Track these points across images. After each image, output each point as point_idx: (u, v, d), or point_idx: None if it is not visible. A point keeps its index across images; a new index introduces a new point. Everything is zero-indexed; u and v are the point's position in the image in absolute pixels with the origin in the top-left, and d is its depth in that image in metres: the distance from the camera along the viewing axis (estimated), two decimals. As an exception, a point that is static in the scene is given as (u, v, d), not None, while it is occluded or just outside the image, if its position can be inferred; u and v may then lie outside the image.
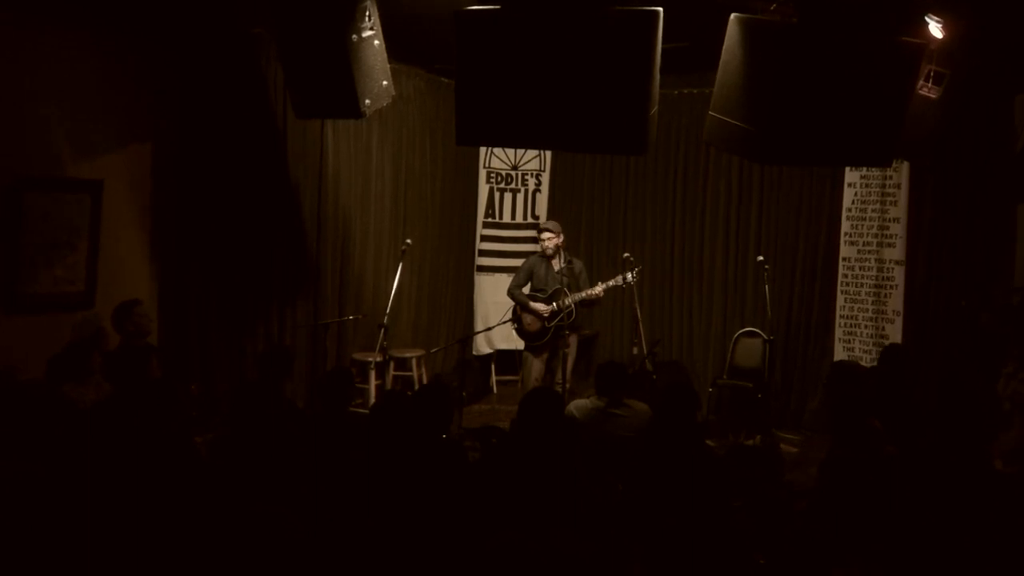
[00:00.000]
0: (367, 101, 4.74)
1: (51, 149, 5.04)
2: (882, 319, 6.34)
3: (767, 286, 6.24)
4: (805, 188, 6.93)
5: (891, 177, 6.28)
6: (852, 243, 6.53)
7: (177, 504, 2.61)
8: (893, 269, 6.28)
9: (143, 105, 5.48)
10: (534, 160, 8.05)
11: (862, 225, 6.47)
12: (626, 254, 6.33)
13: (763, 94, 4.12)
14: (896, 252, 6.26)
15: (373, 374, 6.55)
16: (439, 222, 7.84)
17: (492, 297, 7.78)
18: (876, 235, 6.38)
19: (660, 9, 3.89)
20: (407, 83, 7.19)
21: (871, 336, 6.38)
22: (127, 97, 5.39)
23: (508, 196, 8.06)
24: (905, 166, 6.14)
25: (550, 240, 6.39)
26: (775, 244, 7.05)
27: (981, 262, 5.93)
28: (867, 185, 6.44)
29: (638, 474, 3.74)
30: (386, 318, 6.05)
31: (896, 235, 6.26)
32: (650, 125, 4.24)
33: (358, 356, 6.85)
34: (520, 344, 6.84)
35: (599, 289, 6.21)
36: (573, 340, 6.47)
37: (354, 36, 4.55)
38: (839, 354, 6.60)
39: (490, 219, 8.06)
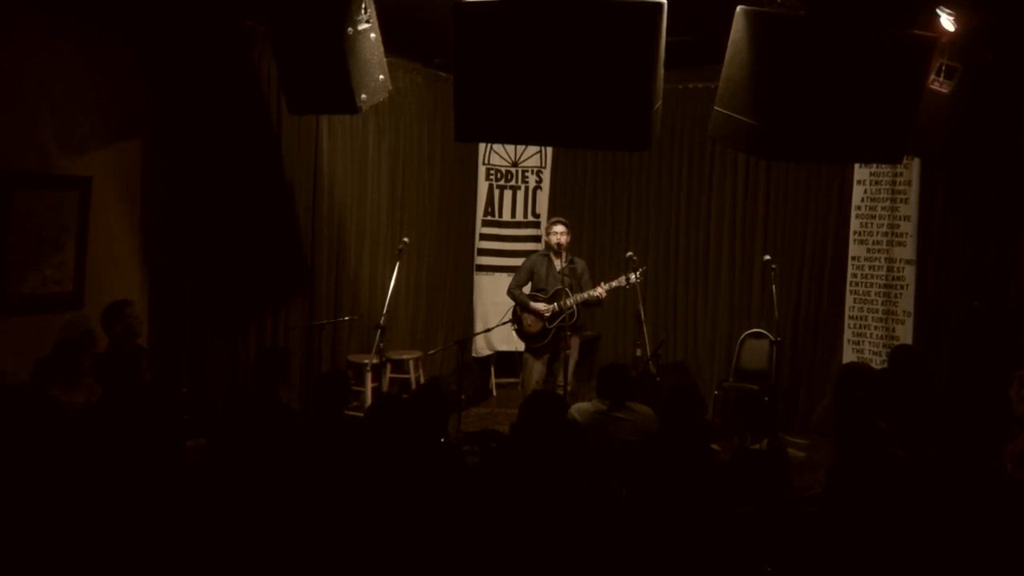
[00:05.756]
0: (363, 96, 4.68)
1: (38, 145, 4.95)
2: (892, 319, 6.26)
3: (774, 286, 6.15)
4: (813, 185, 6.87)
5: (901, 174, 6.22)
6: (861, 242, 6.46)
7: (169, 510, 2.53)
8: (904, 268, 6.21)
9: (133, 100, 5.40)
10: (535, 156, 7.99)
11: (872, 223, 6.40)
12: (629, 253, 6.29)
13: (770, 89, 4.09)
14: (907, 251, 6.19)
15: (369, 376, 6.48)
16: (437, 220, 7.76)
17: (492, 297, 7.72)
18: (886, 233, 6.31)
19: (664, 1, 3.83)
20: (404, 78, 7.14)
21: (881, 337, 6.31)
22: (117, 92, 5.31)
23: (508, 193, 7.98)
24: (916, 163, 6.08)
25: (563, 235, 6.30)
26: (782, 243, 6.98)
27: (994, 261, 5.84)
28: (877, 182, 6.37)
29: (642, 479, 3.67)
30: (383, 319, 5.98)
31: (907, 233, 6.18)
32: (654, 121, 4.20)
33: (354, 358, 6.77)
34: (520, 346, 6.79)
35: (601, 290, 6.15)
36: (575, 342, 6.41)
37: (350, 29, 4.49)
38: (848, 355, 6.54)
39: (490, 217, 7.99)
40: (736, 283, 7.26)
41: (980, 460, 3.18)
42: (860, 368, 5.69)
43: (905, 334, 6.15)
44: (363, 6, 4.53)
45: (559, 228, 6.35)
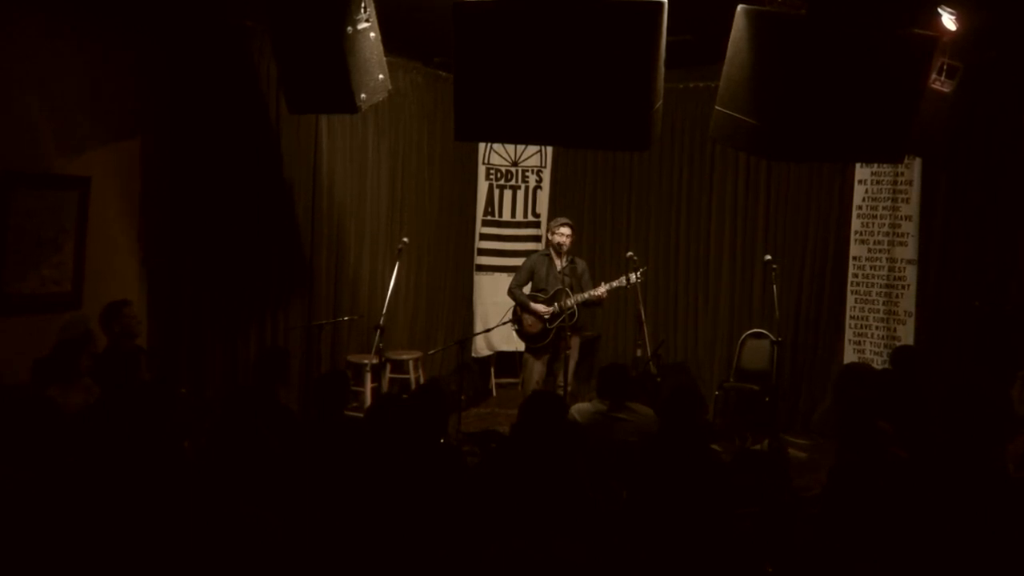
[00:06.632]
0: (362, 95, 4.66)
1: (37, 145, 4.94)
2: (893, 320, 6.24)
3: (775, 286, 6.12)
4: (814, 185, 6.85)
5: (903, 174, 6.19)
6: (863, 242, 6.44)
7: (168, 510, 2.52)
8: (905, 268, 6.19)
9: (132, 100, 5.39)
10: (535, 156, 7.96)
11: (873, 223, 6.37)
12: (630, 253, 6.27)
13: (771, 88, 4.07)
14: (908, 251, 6.16)
15: (369, 377, 6.45)
16: (437, 220, 7.74)
17: (492, 297, 7.69)
18: (887, 233, 6.29)
19: (664, 1, 3.82)
20: (404, 77, 7.12)
21: (882, 337, 6.28)
22: (117, 92, 5.29)
23: (508, 193, 7.95)
24: (917, 162, 6.06)
25: (568, 238, 6.28)
26: (783, 243, 6.96)
27: (995, 261, 5.81)
28: (878, 182, 6.35)
29: (642, 479, 3.65)
30: (382, 319, 5.95)
31: (908, 233, 6.16)
32: (654, 120, 4.18)
33: (353, 358, 6.75)
34: (520, 346, 6.77)
35: (602, 290, 6.14)
36: (575, 342, 6.38)
37: (349, 28, 4.47)
38: (849, 356, 6.51)
39: (489, 217, 7.96)
40: (737, 283, 7.24)
41: (981, 461, 3.17)
42: (861, 368, 5.68)
43: (906, 334, 6.13)
44: (363, 5, 4.51)
45: (567, 230, 6.32)
